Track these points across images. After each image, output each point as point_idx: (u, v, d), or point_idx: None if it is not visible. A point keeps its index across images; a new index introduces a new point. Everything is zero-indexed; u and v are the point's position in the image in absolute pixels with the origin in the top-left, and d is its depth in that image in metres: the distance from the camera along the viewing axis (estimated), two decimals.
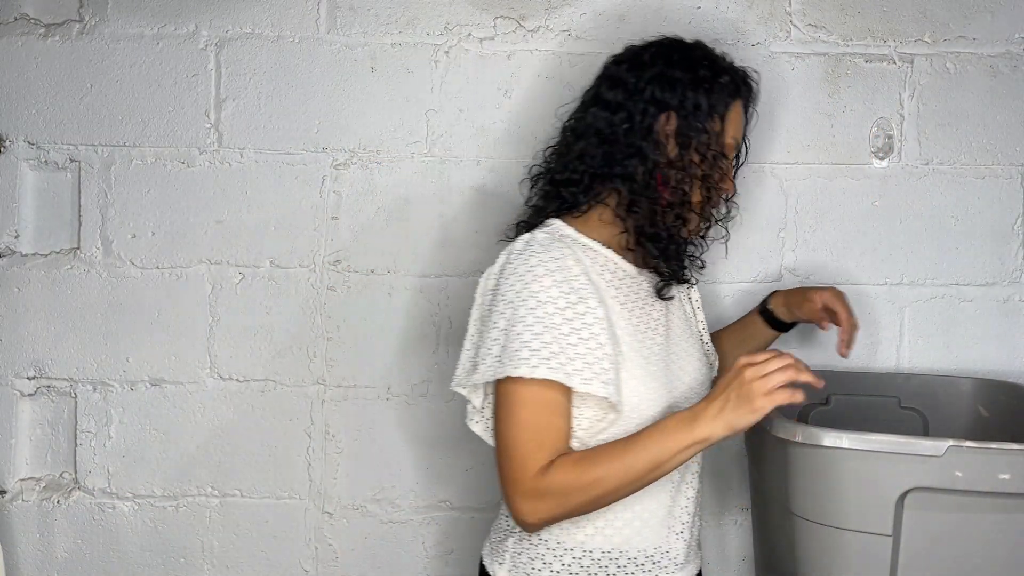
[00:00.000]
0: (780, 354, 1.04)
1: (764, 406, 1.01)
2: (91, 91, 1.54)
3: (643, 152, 1.16)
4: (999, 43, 1.55)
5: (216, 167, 1.55)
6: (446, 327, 1.57)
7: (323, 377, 1.57)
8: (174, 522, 1.58)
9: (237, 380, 1.57)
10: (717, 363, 1.35)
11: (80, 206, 1.55)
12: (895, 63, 1.55)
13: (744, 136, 1.27)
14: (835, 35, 1.55)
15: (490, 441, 1.16)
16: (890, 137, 1.56)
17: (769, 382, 1.01)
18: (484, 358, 1.10)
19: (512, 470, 1.07)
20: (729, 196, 1.23)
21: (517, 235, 1.21)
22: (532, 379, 1.05)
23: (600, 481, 1.05)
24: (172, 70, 1.55)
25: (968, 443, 1.06)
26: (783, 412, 1.19)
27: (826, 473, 1.11)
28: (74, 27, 1.54)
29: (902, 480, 1.08)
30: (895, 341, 1.57)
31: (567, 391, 1.08)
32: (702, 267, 1.30)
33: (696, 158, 1.16)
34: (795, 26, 1.55)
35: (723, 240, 1.32)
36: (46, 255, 1.56)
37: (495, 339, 1.09)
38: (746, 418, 1.02)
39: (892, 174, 1.56)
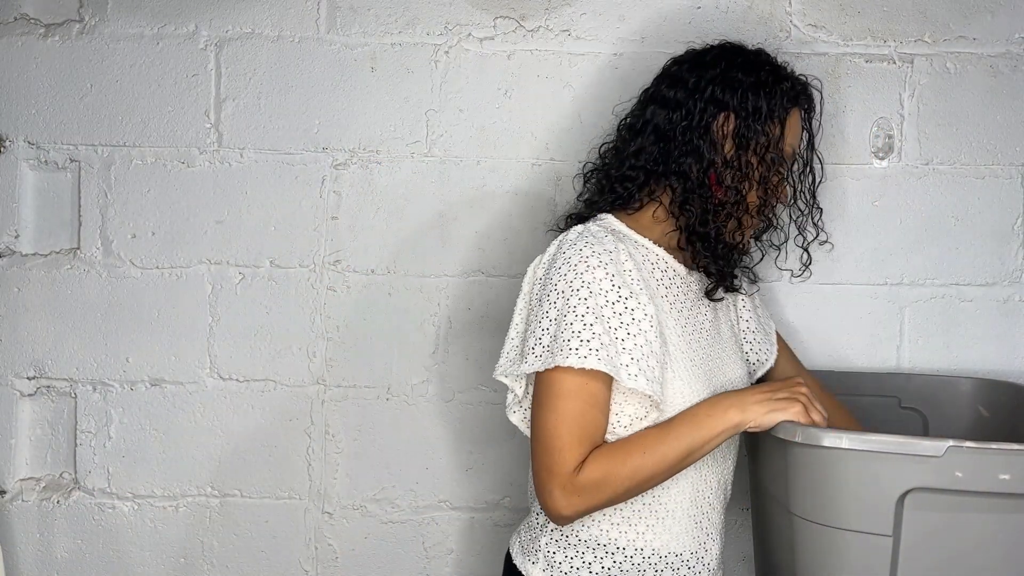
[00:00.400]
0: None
1: (798, 414, 1.08)
2: (91, 91, 1.54)
3: (699, 150, 1.16)
4: (999, 43, 1.55)
5: (216, 167, 1.55)
6: (446, 327, 1.57)
7: (323, 377, 1.57)
8: (174, 522, 1.58)
9: (237, 380, 1.57)
10: (762, 370, 1.36)
11: (80, 206, 1.55)
12: (895, 63, 1.55)
13: (814, 147, 1.27)
14: (835, 35, 1.55)
15: (527, 432, 1.17)
16: (890, 137, 1.56)
17: (811, 405, 1.10)
18: (534, 347, 1.09)
19: (552, 462, 1.06)
20: (785, 202, 1.24)
21: (567, 227, 1.21)
22: (580, 369, 1.05)
23: (636, 472, 1.05)
24: (172, 70, 1.55)
25: (968, 443, 1.05)
26: None
27: (826, 473, 1.11)
28: (74, 27, 1.54)
29: (902, 480, 1.08)
30: (895, 341, 1.57)
31: (610, 385, 1.09)
32: (754, 280, 1.33)
33: (754, 160, 1.16)
34: (795, 26, 1.55)
35: (822, 242, 1.36)
36: (46, 255, 1.56)
37: (545, 329, 1.09)
38: (779, 415, 1.08)
39: (892, 174, 1.56)
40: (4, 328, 1.57)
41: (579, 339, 1.05)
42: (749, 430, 1.10)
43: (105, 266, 1.56)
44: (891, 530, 1.09)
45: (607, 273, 1.09)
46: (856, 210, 1.56)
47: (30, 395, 1.57)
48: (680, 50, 1.53)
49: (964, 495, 1.07)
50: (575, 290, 1.08)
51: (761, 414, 1.08)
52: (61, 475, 1.59)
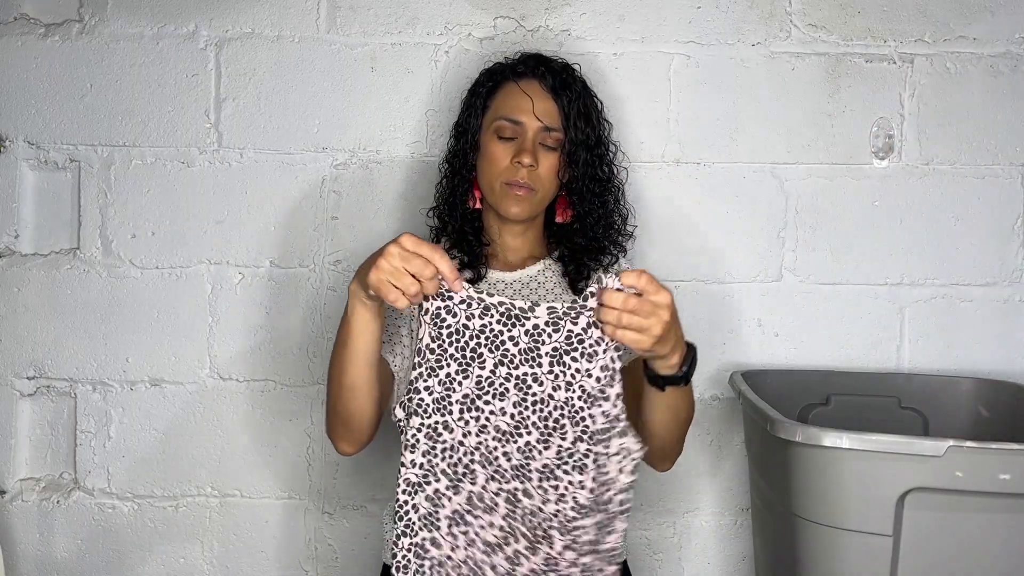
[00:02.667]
0: (418, 244, 0.98)
1: (372, 282, 0.99)
2: (91, 91, 1.54)
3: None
4: (999, 43, 1.55)
5: (216, 167, 1.55)
6: None
7: (323, 377, 1.57)
8: (174, 522, 1.58)
9: (237, 380, 1.57)
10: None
11: (80, 206, 1.55)
12: (895, 63, 1.55)
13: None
14: (835, 35, 1.55)
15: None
16: (890, 137, 1.56)
17: (382, 268, 0.98)
18: None
19: None
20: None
21: None
22: None
23: (329, 368, 1.17)
24: (172, 70, 1.55)
25: (968, 443, 1.06)
26: (783, 412, 1.19)
27: (826, 473, 1.11)
28: (74, 27, 1.54)
29: (902, 480, 1.08)
30: (895, 341, 1.57)
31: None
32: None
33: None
34: (795, 26, 1.55)
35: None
36: (46, 255, 1.56)
37: None
38: (365, 284, 1.01)
39: (892, 174, 1.56)
40: (4, 328, 1.57)
41: None
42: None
43: (105, 266, 1.56)
44: (891, 530, 1.09)
45: None
46: (856, 210, 1.56)
47: (30, 395, 1.57)
48: (680, 50, 1.54)
49: (964, 495, 1.07)
50: None
51: (357, 285, 1.04)
52: (61, 475, 1.59)
